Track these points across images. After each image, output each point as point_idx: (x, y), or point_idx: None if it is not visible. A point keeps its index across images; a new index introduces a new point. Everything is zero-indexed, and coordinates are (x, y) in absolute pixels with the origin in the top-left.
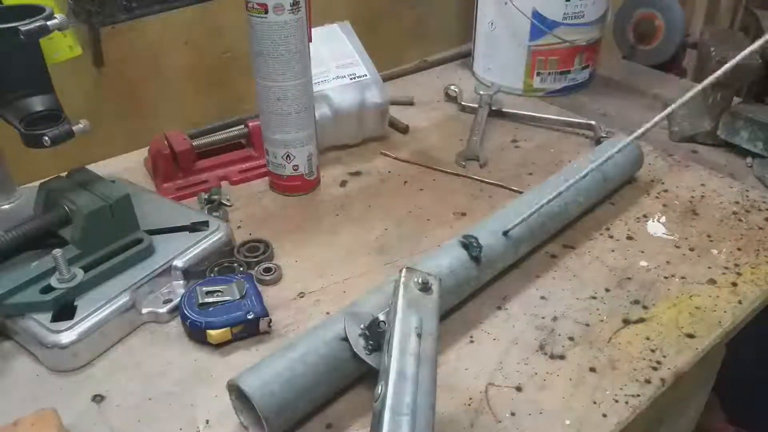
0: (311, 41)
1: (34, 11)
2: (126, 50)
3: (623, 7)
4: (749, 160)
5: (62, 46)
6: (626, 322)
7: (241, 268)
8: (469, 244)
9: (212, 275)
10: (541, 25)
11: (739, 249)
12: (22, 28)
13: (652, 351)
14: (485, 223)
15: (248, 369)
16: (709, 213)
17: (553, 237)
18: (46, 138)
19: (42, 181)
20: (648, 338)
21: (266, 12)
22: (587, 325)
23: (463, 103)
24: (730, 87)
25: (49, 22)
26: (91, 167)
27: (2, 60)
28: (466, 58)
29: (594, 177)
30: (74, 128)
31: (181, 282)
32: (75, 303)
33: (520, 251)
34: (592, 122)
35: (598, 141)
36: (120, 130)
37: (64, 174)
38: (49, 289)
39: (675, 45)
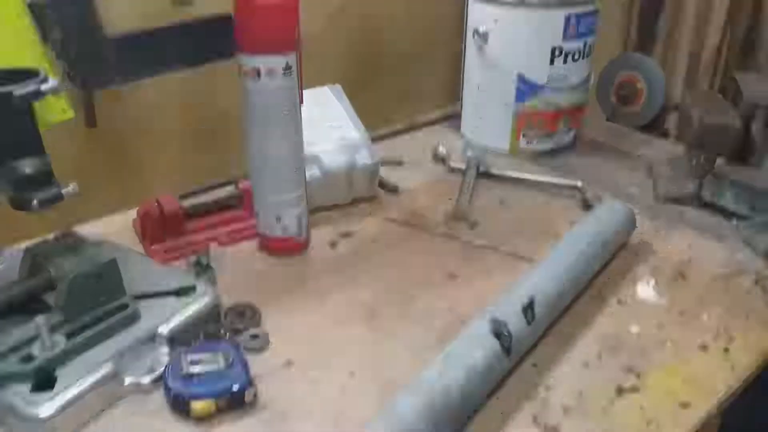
0: (303, 103)
1: (28, 75)
2: (119, 112)
3: (606, 70)
4: (735, 222)
5: (55, 109)
6: (620, 390)
7: (227, 335)
8: (500, 334)
9: (197, 342)
10: (526, 88)
11: (728, 313)
12: (16, 93)
13: (648, 424)
14: (508, 299)
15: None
16: (697, 276)
17: None
18: (35, 202)
19: (27, 245)
20: (642, 407)
21: (259, 76)
22: (580, 394)
23: (451, 164)
24: (713, 149)
25: (42, 87)
26: (80, 228)
27: None
28: (454, 118)
29: (596, 244)
30: (63, 191)
31: (166, 350)
32: (56, 373)
33: (537, 333)
34: (578, 184)
35: (584, 201)
36: (110, 191)
37: (51, 236)
38: (29, 358)
39: (657, 107)
